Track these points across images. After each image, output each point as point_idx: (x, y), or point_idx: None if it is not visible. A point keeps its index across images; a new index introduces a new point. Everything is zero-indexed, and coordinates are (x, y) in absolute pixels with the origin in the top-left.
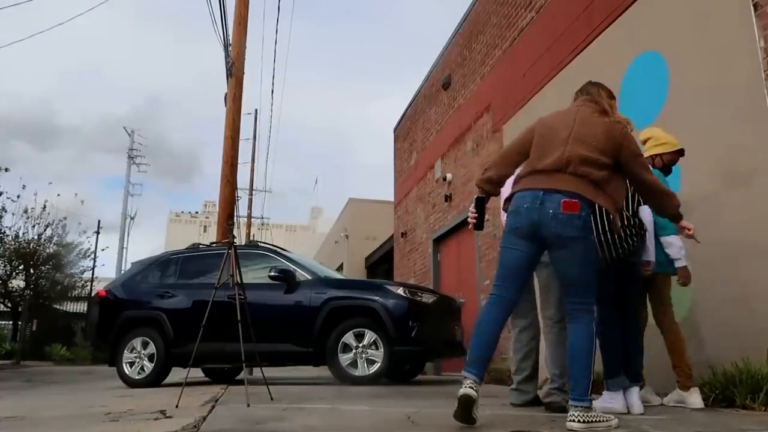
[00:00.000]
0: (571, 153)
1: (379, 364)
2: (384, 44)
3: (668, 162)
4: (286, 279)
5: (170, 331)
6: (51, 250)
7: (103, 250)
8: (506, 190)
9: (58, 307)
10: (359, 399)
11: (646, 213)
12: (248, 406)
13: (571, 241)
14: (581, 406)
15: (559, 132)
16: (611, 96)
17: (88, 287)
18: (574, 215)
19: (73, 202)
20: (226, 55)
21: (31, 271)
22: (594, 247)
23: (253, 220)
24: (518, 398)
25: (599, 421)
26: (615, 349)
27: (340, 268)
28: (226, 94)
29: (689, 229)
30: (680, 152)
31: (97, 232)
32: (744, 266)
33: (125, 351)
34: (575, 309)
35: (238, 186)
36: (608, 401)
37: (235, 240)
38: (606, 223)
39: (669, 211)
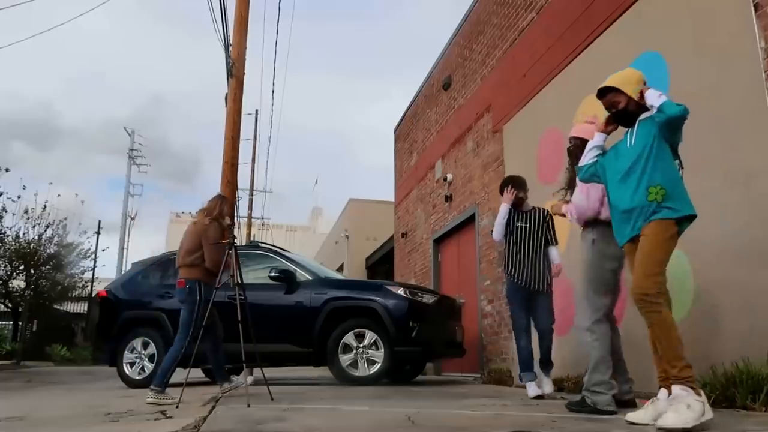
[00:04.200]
0: None
1: (379, 365)
2: (385, 44)
3: (610, 123)
4: (286, 279)
5: (171, 331)
6: (51, 251)
7: (103, 250)
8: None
9: (58, 307)
10: (359, 399)
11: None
12: (248, 406)
13: None
14: None
15: None
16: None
17: (89, 287)
18: None
19: (73, 202)
20: (227, 56)
21: (32, 271)
22: None
23: (253, 220)
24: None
25: None
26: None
27: (340, 269)
28: (226, 94)
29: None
30: (600, 95)
31: (98, 233)
32: (744, 266)
33: (126, 351)
34: None
35: (239, 186)
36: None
37: (235, 240)
38: None
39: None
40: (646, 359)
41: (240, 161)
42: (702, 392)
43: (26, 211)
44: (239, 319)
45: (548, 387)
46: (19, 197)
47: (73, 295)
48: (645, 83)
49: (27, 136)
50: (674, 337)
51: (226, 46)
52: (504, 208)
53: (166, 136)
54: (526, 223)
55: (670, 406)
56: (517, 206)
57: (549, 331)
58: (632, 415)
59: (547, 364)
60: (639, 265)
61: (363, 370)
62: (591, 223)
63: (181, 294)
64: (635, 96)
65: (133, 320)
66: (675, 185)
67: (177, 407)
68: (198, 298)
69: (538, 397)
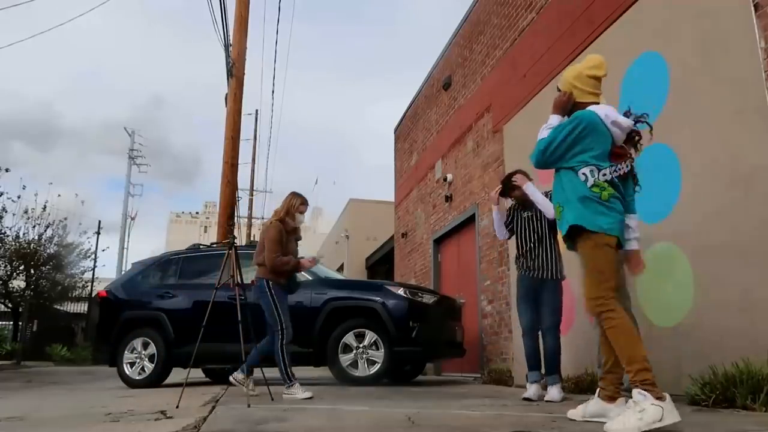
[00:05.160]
0: None
1: (379, 365)
2: (385, 45)
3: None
4: None
5: (171, 331)
6: (51, 251)
7: (103, 250)
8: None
9: (58, 307)
10: (360, 399)
11: None
12: (249, 406)
13: None
14: None
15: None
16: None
17: (89, 288)
18: None
19: (73, 202)
20: (227, 56)
21: (32, 271)
22: None
23: (253, 220)
24: None
25: None
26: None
27: (340, 269)
28: (226, 94)
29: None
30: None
31: (98, 233)
32: (744, 266)
33: (126, 351)
34: None
35: (239, 186)
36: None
37: (235, 240)
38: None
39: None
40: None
41: (240, 161)
42: (665, 395)
43: (26, 211)
44: (239, 319)
45: (554, 393)
46: (19, 197)
47: (73, 295)
48: (595, 78)
49: (27, 136)
50: (625, 342)
51: (226, 47)
52: (493, 210)
53: (166, 136)
54: (532, 211)
55: (626, 410)
56: (524, 201)
57: (548, 330)
58: (572, 412)
59: (550, 370)
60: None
61: (363, 370)
62: None
63: (253, 293)
64: (576, 99)
65: (133, 320)
66: (570, 200)
67: (177, 407)
68: (270, 295)
69: (528, 399)
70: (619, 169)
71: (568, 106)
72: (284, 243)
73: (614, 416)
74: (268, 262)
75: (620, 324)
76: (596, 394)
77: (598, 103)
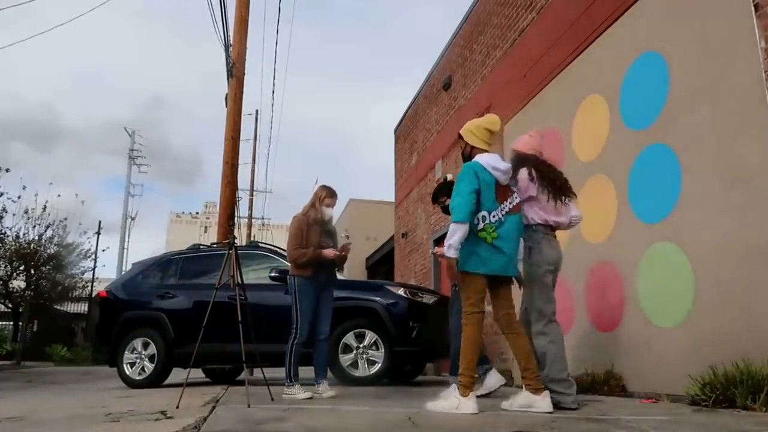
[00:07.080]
0: None
1: (379, 365)
2: (385, 45)
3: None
4: (286, 279)
5: (171, 331)
6: (52, 251)
7: (103, 250)
8: None
9: (58, 307)
10: (360, 399)
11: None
12: (249, 406)
13: None
14: None
15: None
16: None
17: (89, 288)
18: None
19: (73, 202)
20: (227, 56)
21: (32, 271)
22: None
23: (253, 220)
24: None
25: None
26: None
27: (340, 269)
28: (226, 94)
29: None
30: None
31: (98, 233)
32: (744, 266)
33: (126, 351)
34: None
35: (239, 186)
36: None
37: (235, 241)
38: None
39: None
40: (641, 363)
41: (240, 161)
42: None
43: (26, 212)
44: (239, 319)
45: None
46: (19, 197)
47: (74, 295)
48: (489, 131)
49: (27, 136)
50: (468, 350)
51: (227, 47)
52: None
53: (166, 136)
54: None
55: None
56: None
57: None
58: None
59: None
60: None
61: (363, 371)
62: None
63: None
64: (471, 143)
65: (133, 320)
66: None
67: (177, 407)
68: (293, 291)
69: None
70: (504, 208)
71: None
72: (305, 235)
73: (541, 406)
74: (287, 255)
75: (467, 335)
76: (523, 389)
77: (487, 152)
